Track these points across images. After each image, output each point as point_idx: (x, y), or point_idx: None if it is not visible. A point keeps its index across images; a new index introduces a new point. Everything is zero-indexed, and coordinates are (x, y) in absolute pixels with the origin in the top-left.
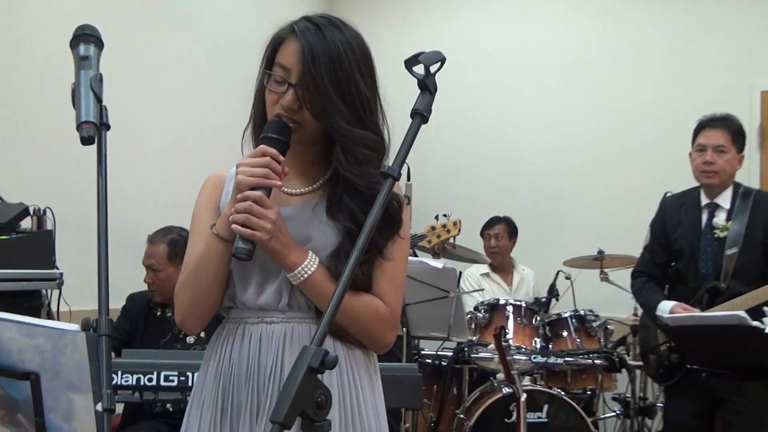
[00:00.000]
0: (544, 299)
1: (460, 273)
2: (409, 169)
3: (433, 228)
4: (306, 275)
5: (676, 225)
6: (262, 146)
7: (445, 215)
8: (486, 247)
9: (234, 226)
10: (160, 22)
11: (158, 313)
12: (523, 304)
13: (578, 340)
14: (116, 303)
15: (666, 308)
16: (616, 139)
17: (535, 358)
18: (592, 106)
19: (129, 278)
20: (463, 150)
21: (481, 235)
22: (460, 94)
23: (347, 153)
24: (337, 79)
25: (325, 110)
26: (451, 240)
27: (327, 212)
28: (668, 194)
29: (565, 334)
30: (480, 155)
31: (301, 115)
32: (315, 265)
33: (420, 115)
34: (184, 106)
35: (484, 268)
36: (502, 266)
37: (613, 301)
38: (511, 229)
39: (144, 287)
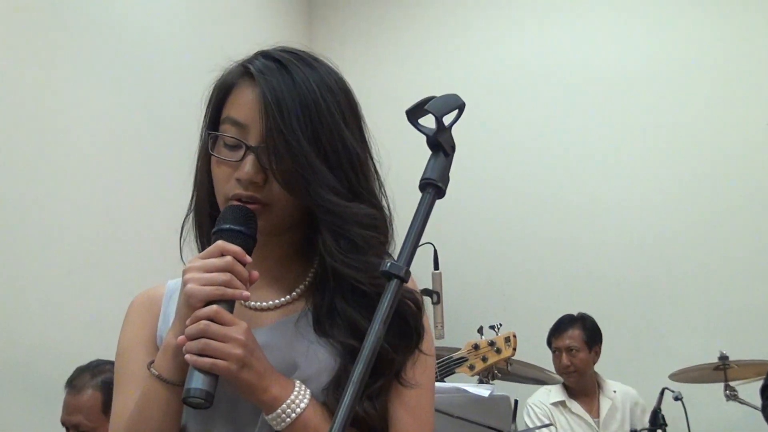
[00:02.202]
0: (644, 431)
1: (517, 402)
2: (435, 252)
3: (477, 347)
4: (294, 415)
5: None
6: (219, 242)
7: (492, 327)
8: (557, 365)
9: (188, 357)
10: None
11: None
12: None
13: None
14: None
15: None
16: (743, 194)
17: None
18: (700, 144)
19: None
20: (513, 225)
21: (549, 345)
22: (503, 141)
23: (339, 237)
24: (316, 134)
25: (304, 179)
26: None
27: (315, 328)
28: None
29: None
30: (535, 229)
31: (268, 192)
32: (306, 400)
33: (433, 186)
34: (103, 179)
35: (558, 393)
36: (583, 388)
37: (748, 429)
38: (589, 334)
39: None
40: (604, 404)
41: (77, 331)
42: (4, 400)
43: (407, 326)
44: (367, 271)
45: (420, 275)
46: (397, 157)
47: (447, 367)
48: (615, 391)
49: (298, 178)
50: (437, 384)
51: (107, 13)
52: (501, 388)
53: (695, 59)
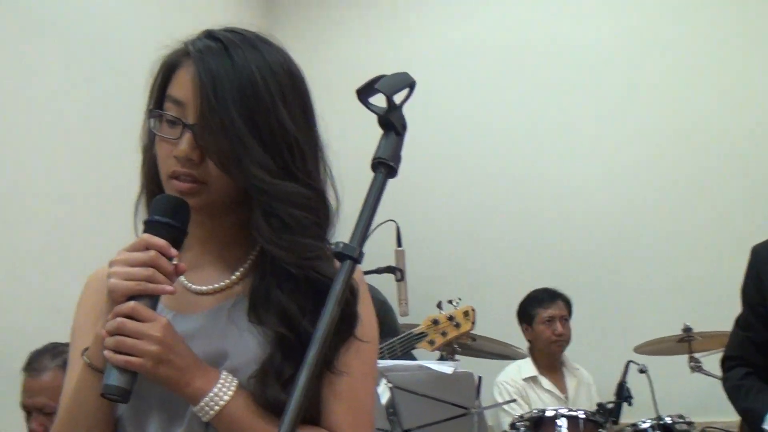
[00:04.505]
0: (611, 404)
1: (481, 379)
2: (398, 229)
3: (436, 322)
4: (217, 407)
5: None
6: (144, 236)
7: (451, 302)
8: (546, 336)
9: (105, 353)
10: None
11: None
12: (581, 415)
13: None
14: None
15: None
16: (702, 167)
17: None
18: (664, 122)
19: None
20: (475, 201)
21: (527, 318)
22: (464, 118)
23: (270, 216)
24: (251, 114)
25: (236, 158)
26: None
27: (250, 314)
28: (758, 246)
29: None
30: (497, 205)
31: (204, 170)
32: (231, 390)
33: (384, 165)
34: (65, 160)
35: (530, 369)
36: (551, 364)
37: (712, 399)
38: (569, 308)
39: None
40: (570, 380)
41: (42, 316)
42: None
43: (341, 313)
44: (295, 252)
45: (383, 252)
46: (349, 137)
47: (407, 342)
48: (578, 369)
49: (231, 156)
50: (401, 362)
51: None
52: (465, 364)
53: (655, 31)
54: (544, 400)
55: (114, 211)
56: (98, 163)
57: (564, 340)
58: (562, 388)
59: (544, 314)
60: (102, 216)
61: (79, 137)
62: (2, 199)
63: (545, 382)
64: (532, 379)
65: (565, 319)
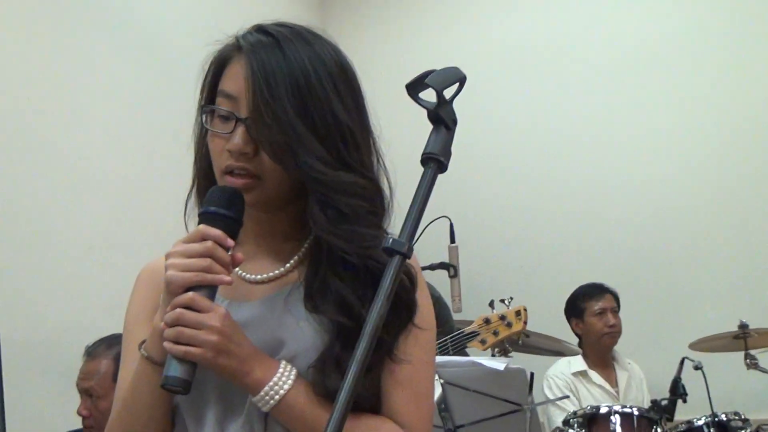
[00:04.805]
0: (665, 401)
1: (533, 375)
2: (452, 225)
3: (488, 321)
4: (278, 397)
5: None
6: (200, 227)
7: (503, 301)
8: (598, 328)
9: (165, 344)
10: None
11: None
12: (635, 412)
13: None
14: None
15: None
16: (762, 164)
17: None
18: (724, 118)
19: (56, 412)
20: (529, 199)
21: (577, 312)
22: (520, 115)
23: (326, 207)
24: (305, 106)
25: (291, 150)
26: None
27: (306, 303)
28: None
29: None
30: (551, 203)
31: (259, 163)
32: (291, 380)
33: (435, 161)
34: (118, 154)
35: (579, 363)
36: (602, 359)
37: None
38: (618, 303)
39: (78, 422)
40: (622, 375)
41: (99, 311)
42: (28, 379)
43: (399, 301)
44: (353, 241)
45: (437, 249)
46: (401, 132)
47: (459, 341)
48: (630, 363)
49: (286, 149)
50: (453, 358)
51: None
52: (517, 360)
53: (706, 29)
54: (595, 394)
55: (167, 206)
56: (149, 158)
57: (616, 331)
58: (613, 382)
59: (595, 307)
60: (155, 211)
61: (130, 131)
62: (58, 193)
63: (595, 376)
64: (582, 374)
65: (615, 311)
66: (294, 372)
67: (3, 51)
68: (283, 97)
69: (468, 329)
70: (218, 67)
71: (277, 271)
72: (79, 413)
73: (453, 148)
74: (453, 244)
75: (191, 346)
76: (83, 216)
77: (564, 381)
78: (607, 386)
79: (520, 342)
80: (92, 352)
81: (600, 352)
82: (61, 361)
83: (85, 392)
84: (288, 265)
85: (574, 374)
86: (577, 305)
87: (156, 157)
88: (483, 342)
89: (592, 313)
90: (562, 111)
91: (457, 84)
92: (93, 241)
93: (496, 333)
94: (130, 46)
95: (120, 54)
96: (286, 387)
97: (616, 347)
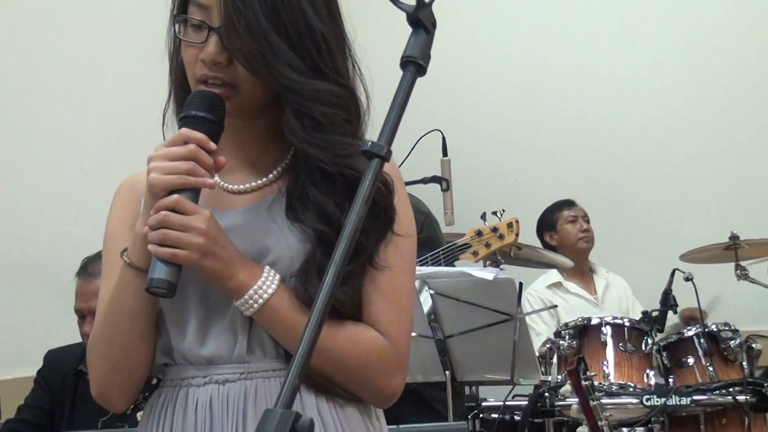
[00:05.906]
0: (656, 313)
1: (521, 285)
2: (444, 139)
3: (480, 233)
4: (261, 300)
5: None
6: (182, 130)
7: (495, 213)
8: (572, 234)
9: (150, 247)
10: None
11: None
12: (626, 323)
13: (711, 368)
14: (29, 368)
15: None
16: (753, 75)
17: (648, 399)
18: (710, 20)
19: (48, 332)
20: (522, 111)
21: (550, 224)
22: (513, 26)
23: (302, 116)
24: (277, 13)
25: (264, 58)
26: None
27: (288, 212)
28: None
29: (690, 361)
30: (544, 115)
31: (232, 72)
32: (275, 285)
33: (414, 64)
34: (105, 82)
35: (555, 275)
36: (580, 269)
37: (758, 308)
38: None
39: (71, 341)
40: (600, 282)
41: (92, 227)
42: (23, 296)
43: (376, 207)
44: (329, 150)
45: (429, 162)
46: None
47: (451, 253)
48: (608, 273)
49: (259, 57)
50: (442, 269)
51: None
52: (508, 272)
53: None
54: (573, 303)
55: (160, 123)
56: (146, 73)
57: (590, 236)
58: (592, 290)
59: (566, 215)
60: (148, 128)
61: (125, 49)
62: (47, 107)
63: (572, 286)
64: (557, 285)
65: (587, 219)
66: (278, 278)
67: None
68: (255, 5)
69: (460, 241)
70: None
71: (259, 182)
72: (84, 333)
73: (445, 61)
74: (445, 158)
75: (176, 248)
76: (77, 133)
77: (537, 298)
78: (586, 294)
79: (512, 254)
80: (90, 272)
81: (577, 260)
82: (55, 277)
83: (90, 313)
84: (271, 176)
85: (549, 287)
86: (548, 218)
87: (147, 73)
88: (475, 254)
89: (564, 221)
90: (557, 20)
91: None
92: (86, 159)
93: (488, 245)
94: None
95: None
96: (270, 291)
97: (613, 255)
